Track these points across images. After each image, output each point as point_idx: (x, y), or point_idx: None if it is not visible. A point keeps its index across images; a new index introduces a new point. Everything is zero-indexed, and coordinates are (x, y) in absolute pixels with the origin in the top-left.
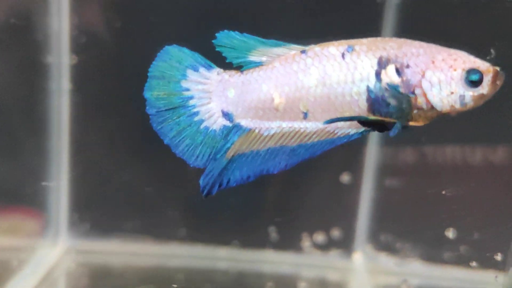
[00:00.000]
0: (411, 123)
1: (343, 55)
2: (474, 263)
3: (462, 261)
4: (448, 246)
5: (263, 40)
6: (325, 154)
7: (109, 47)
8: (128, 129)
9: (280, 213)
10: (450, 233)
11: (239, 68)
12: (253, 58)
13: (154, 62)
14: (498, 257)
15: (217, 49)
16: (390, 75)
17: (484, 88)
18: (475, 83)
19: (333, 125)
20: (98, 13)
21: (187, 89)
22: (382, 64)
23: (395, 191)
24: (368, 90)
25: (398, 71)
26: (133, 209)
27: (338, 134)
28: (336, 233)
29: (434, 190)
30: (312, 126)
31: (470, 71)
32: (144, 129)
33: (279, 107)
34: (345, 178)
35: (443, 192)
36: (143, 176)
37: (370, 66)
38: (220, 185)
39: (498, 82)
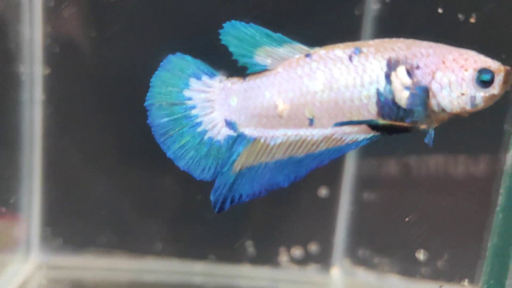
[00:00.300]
0: (422, 127)
1: (350, 58)
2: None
3: (439, 277)
4: (425, 261)
5: (270, 33)
6: None
7: (83, 57)
8: (102, 142)
9: (257, 227)
10: (421, 255)
11: (243, 68)
12: (258, 59)
13: (156, 72)
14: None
15: (223, 42)
16: (401, 77)
17: (495, 88)
18: (486, 83)
19: (341, 131)
20: (72, 22)
21: (190, 98)
22: (391, 65)
23: (373, 205)
24: (378, 93)
25: (409, 73)
26: (107, 223)
27: (346, 140)
28: (314, 247)
29: (411, 204)
30: (318, 133)
31: (482, 71)
32: (119, 141)
33: (283, 114)
34: (323, 192)
35: (406, 219)
36: (118, 190)
37: (379, 68)
38: (232, 201)
39: (510, 82)
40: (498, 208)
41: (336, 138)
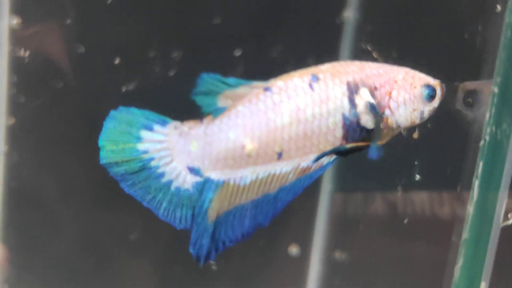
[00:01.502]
0: (379, 142)
1: (310, 86)
2: None
3: None
4: None
5: (224, 80)
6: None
7: (49, 107)
8: (67, 197)
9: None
10: None
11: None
12: (220, 104)
13: (102, 131)
14: None
15: (194, 97)
16: (365, 98)
17: (436, 102)
18: (431, 98)
19: (307, 159)
20: (37, 71)
21: (146, 152)
22: (351, 89)
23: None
24: (344, 117)
25: (371, 94)
26: (68, 280)
27: (313, 167)
28: None
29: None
30: (287, 165)
31: (427, 87)
32: (82, 195)
33: (251, 153)
34: (294, 250)
35: None
36: (83, 243)
37: (341, 93)
38: (216, 250)
39: (443, 95)
40: None
41: (303, 167)
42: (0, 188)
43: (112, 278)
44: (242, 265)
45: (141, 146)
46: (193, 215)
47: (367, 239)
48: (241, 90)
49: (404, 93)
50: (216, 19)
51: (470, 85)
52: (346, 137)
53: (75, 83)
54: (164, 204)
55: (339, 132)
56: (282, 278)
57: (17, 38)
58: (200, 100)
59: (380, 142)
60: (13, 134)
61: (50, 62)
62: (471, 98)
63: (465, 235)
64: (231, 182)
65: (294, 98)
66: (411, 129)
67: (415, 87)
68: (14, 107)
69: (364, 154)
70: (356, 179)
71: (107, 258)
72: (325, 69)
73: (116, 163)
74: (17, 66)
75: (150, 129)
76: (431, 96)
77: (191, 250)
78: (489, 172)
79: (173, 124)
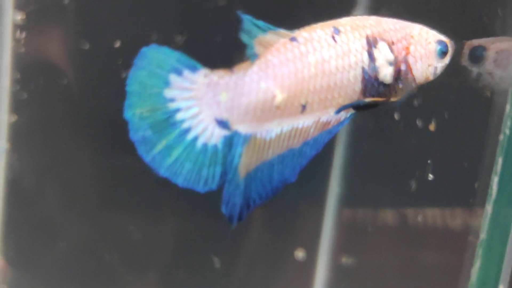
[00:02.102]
0: (392, 99)
1: (333, 38)
2: None
3: None
4: None
5: (255, 21)
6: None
7: (52, 105)
8: (69, 195)
9: None
10: None
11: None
12: (256, 49)
13: (130, 72)
14: None
15: (240, 35)
16: (384, 53)
17: (447, 58)
18: (443, 54)
19: (326, 113)
20: (41, 67)
21: (172, 100)
22: (370, 43)
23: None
24: (364, 71)
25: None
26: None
27: (332, 122)
28: None
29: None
30: (309, 118)
31: (440, 43)
32: (85, 194)
33: (281, 105)
34: (300, 255)
35: None
36: (84, 244)
37: (361, 46)
38: (248, 208)
39: (452, 52)
40: None
41: (323, 122)
42: (1, 185)
43: (113, 281)
44: (249, 269)
45: (168, 93)
46: (221, 173)
47: (374, 244)
48: (269, 36)
49: (420, 48)
50: (221, 1)
51: (476, 41)
52: (364, 91)
53: (79, 79)
54: (188, 166)
55: (358, 86)
56: (288, 282)
57: (20, 33)
58: (245, 39)
59: (394, 98)
60: (15, 132)
61: (53, 57)
62: (477, 53)
63: (483, 235)
64: (258, 136)
65: (319, 50)
66: (425, 120)
67: (429, 43)
68: (17, 104)
69: (372, 157)
70: (364, 182)
71: (108, 260)
72: (344, 23)
73: (140, 116)
74: (20, 62)
75: (179, 73)
76: (443, 52)
77: (223, 210)
78: (510, 168)
79: (203, 71)
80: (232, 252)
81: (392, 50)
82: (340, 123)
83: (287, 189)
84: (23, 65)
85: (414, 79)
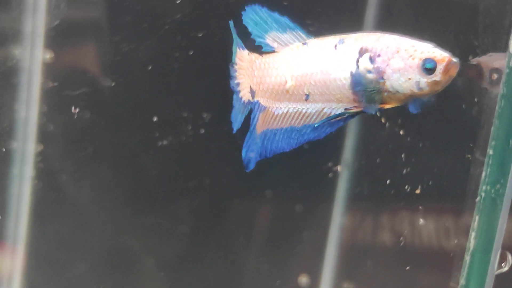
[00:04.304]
0: (386, 106)
1: (335, 46)
2: None
3: None
4: None
5: (278, 18)
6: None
7: (75, 137)
8: (89, 229)
9: None
10: None
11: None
12: (268, 41)
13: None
14: None
15: (244, 23)
16: (364, 63)
17: (437, 76)
18: (429, 71)
19: (329, 106)
20: (66, 102)
21: (236, 64)
22: (361, 53)
23: None
24: (351, 74)
25: (372, 59)
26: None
27: (333, 113)
28: None
29: None
30: (312, 107)
31: (426, 60)
32: (107, 225)
33: (289, 89)
34: (303, 280)
35: None
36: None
37: (353, 55)
38: (261, 155)
39: (451, 70)
40: None
41: (326, 112)
42: (26, 212)
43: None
44: None
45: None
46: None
47: (376, 270)
48: (286, 36)
49: (400, 62)
50: None
51: (496, 63)
52: (354, 92)
53: (104, 115)
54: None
55: (349, 87)
56: None
57: (48, 71)
58: (251, 27)
59: (387, 106)
60: (41, 160)
61: (82, 92)
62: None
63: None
64: (270, 109)
65: (321, 53)
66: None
67: (413, 58)
68: (43, 135)
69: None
70: (365, 212)
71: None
72: (353, 36)
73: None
74: (47, 97)
75: (242, 48)
76: (428, 69)
77: (243, 154)
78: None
79: (247, 51)
80: (237, 278)
81: (374, 61)
82: (340, 121)
83: (293, 218)
84: (50, 98)
85: (394, 89)
